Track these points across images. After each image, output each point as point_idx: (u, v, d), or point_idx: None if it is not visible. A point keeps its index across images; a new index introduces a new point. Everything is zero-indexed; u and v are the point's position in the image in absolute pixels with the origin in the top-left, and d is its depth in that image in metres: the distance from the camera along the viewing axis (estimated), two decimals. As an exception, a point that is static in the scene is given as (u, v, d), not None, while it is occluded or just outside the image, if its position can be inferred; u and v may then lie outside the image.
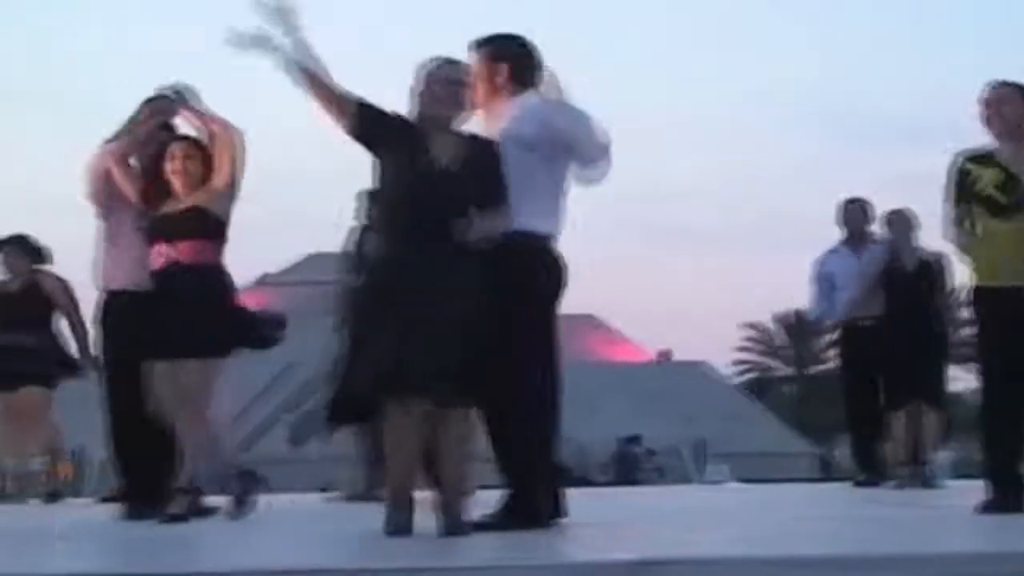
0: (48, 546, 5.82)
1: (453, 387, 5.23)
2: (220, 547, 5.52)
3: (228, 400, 7.06)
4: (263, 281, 52.24)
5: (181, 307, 6.53)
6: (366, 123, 5.41)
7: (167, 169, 6.68)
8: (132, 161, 6.98)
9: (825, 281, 10.28)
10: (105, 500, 8.84)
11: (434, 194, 5.29)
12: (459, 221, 5.24)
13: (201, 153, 6.74)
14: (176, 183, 6.67)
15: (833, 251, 10.36)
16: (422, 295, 5.19)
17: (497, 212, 5.37)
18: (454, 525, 5.22)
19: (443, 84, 5.42)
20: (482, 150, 5.46)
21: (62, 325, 9.95)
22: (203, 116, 6.81)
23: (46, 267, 10.11)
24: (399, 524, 5.23)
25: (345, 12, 72.64)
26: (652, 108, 75.79)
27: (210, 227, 6.64)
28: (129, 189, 6.84)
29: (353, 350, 5.32)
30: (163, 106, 6.87)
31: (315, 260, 47.62)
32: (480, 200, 5.33)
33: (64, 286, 9.92)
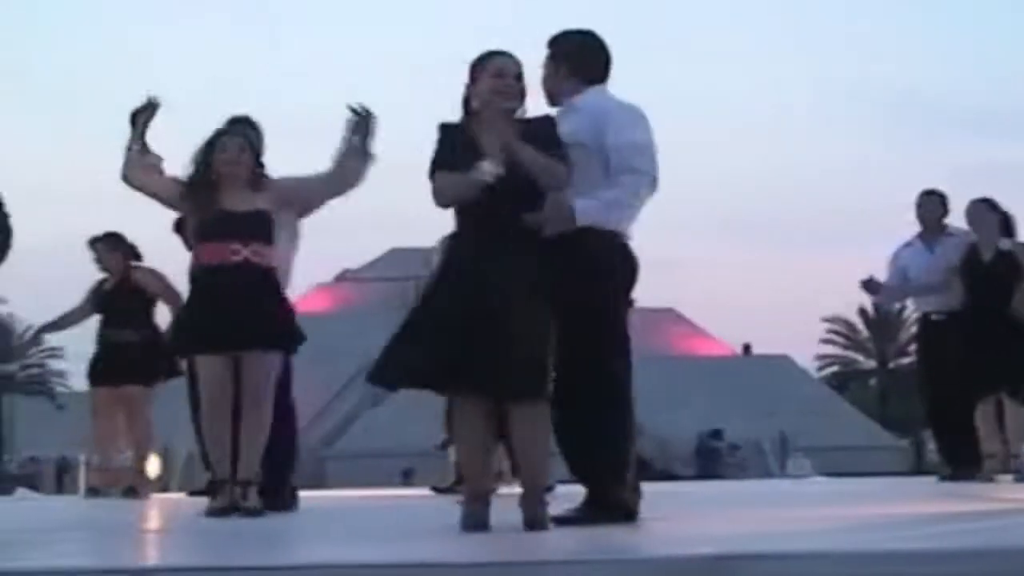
0: (135, 540, 5.90)
1: (518, 381, 5.23)
2: (300, 541, 5.56)
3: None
4: (343, 277, 52.52)
5: (256, 303, 6.66)
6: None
7: (218, 160, 6.75)
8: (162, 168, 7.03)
9: (899, 275, 10.18)
10: (194, 494, 8.95)
11: (487, 190, 5.28)
12: (527, 213, 5.26)
13: (251, 150, 6.87)
14: (227, 174, 6.75)
15: (908, 244, 10.24)
16: (482, 290, 5.20)
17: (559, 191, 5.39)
18: (534, 519, 5.23)
19: (494, 77, 5.41)
20: (537, 133, 5.43)
21: (162, 320, 10.03)
22: (364, 145, 6.81)
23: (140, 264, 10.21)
24: (475, 519, 5.24)
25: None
26: (729, 100, 75.45)
27: (273, 231, 6.80)
28: (161, 187, 6.89)
29: (406, 327, 5.33)
30: (151, 113, 6.87)
31: (396, 255, 47.83)
32: (538, 187, 5.34)
33: (157, 274, 10.00)
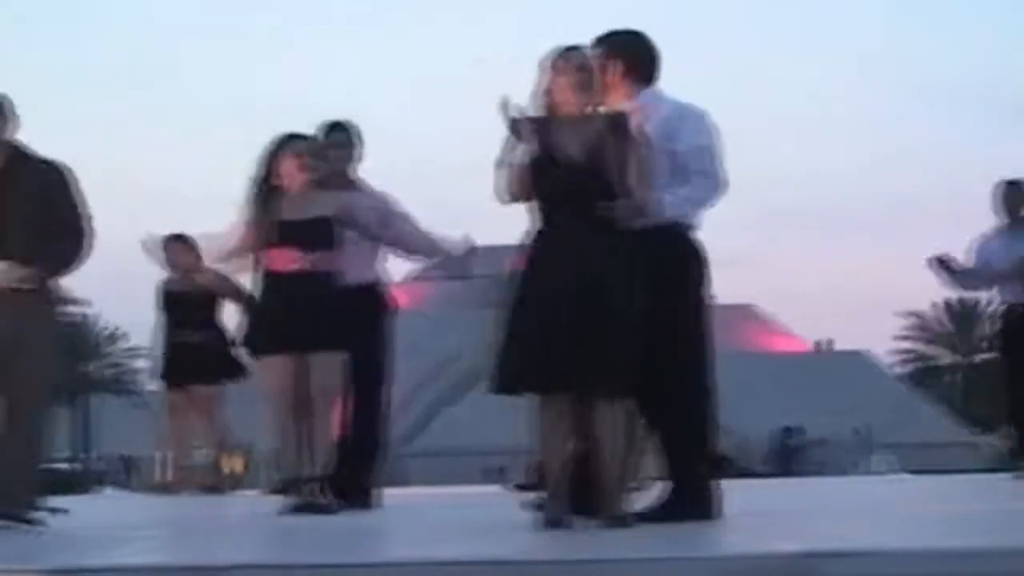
0: (213, 537, 5.92)
1: (601, 378, 5.18)
2: (379, 538, 5.56)
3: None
4: (420, 276, 52.69)
5: (319, 307, 6.71)
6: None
7: (283, 164, 6.78)
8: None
9: (979, 264, 9.97)
10: (275, 492, 8.99)
11: (564, 183, 5.25)
12: (601, 204, 5.20)
13: (319, 155, 6.92)
14: (297, 179, 6.78)
15: (989, 234, 10.04)
16: (566, 286, 5.16)
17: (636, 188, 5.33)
18: (615, 517, 5.18)
19: (566, 71, 5.36)
20: (612, 128, 5.37)
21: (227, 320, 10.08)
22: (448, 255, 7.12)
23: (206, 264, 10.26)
24: (555, 517, 5.19)
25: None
26: (804, 89, 74.96)
27: (336, 237, 6.83)
28: (242, 243, 6.90)
29: (503, 334, 5.30)
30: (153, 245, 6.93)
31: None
32: (615, 180, 5.28)
33: (221, 275, 10.02)
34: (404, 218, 7.24)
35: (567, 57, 5.41)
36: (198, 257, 10.15)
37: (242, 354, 9.84)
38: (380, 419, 7.50)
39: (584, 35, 5.79)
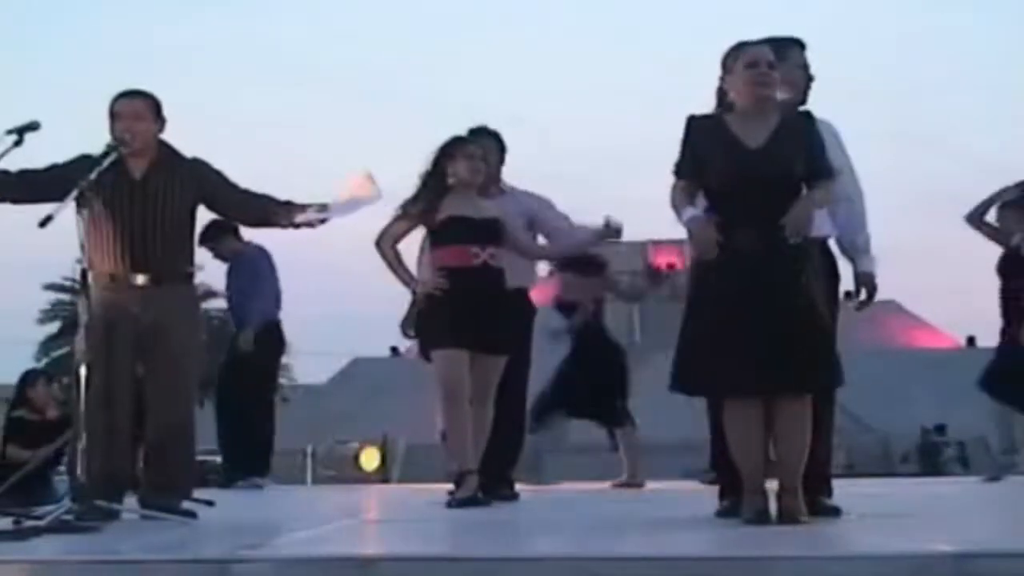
0: (364, 528, 5.98)
1: (797, 375, 5.12)
2: (536, 531, 5.56)
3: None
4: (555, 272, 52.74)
5: (495, 309, 6.83)
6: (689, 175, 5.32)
7: (458, 166, 6.90)
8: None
9: None
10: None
11: (749, 177, 5.16)
12: (789, 200, 5.12)
13: (484, 159, 7.04)
14: (467, 179, 6.90)
15: None
16: (757, 284, 5.08)
17: (822, 186, 5.26)
18: (788, 512, 5.12)
19: (748, 67, 5.27)
20: (799, 127, 5.32)
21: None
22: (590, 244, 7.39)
23: None
24: (757, 512, 5.13)
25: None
26: (965, 76, 73.19)
27: (506, 236, 6.95)
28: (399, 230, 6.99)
29: (689, 329, 5.24)
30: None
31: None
32: (803, 176, 5.22)
33: None
34: (558, 217, 7.42)
35: (743, 52, 5.31)
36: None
37: None
38: (524, 415, 7.62)
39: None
